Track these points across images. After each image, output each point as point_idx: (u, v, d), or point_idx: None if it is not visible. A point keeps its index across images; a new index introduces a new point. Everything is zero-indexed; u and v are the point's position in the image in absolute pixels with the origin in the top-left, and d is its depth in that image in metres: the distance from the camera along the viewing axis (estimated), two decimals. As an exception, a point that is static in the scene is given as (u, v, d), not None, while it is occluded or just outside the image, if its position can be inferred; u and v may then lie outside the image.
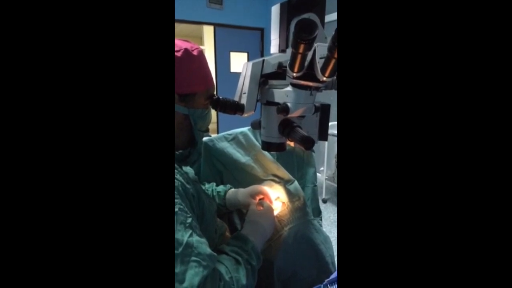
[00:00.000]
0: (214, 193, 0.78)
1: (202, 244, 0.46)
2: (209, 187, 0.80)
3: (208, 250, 0.46)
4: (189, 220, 0.47)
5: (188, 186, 0.54)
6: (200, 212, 0.58)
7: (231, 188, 0.79)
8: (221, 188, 0.79)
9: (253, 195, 0.74)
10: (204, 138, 0.85)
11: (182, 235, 0.44)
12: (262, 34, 3.93)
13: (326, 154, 2.43)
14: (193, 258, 0.43)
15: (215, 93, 0.59)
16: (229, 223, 0.81)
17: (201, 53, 0.55)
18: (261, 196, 0.74)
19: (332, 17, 2.25)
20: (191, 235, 0.45)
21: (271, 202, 0.73)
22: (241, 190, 0.76)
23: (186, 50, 0.51)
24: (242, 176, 0.81)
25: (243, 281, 0.50)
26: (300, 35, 0.34)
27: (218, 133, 3.59)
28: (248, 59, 3.86)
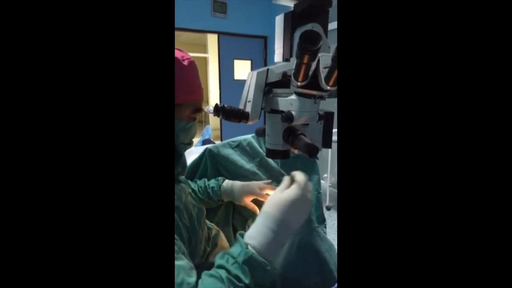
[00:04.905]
0: (208, 189, 0.76)
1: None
2: (201, 183, 0.78)
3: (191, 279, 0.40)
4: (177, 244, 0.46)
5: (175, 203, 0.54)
6: (190, 223, 0.58)
7: (224, 180, 0.78)
8: (213, 183, 0.77)
9: (247, 195, 0.73)
10: (209, 145, 0.85)
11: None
12: (266, 42, 3.97)
13: (330, 161, 2.42)
14: None
15: (218, 101, 0.59)
16: (234, 230, 0.81)
17: (192, 64, 0.54)
18: (254, 197, 0.74)
19: (334, 25, 2.27)
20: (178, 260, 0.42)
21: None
22: (237, 183, 0.76)
23: (176, 59, 0.51)
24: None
25: None
26: (304, 46, 0.34)
27: (221, 140, 3.62)
28: (252, 67, 3.92)
